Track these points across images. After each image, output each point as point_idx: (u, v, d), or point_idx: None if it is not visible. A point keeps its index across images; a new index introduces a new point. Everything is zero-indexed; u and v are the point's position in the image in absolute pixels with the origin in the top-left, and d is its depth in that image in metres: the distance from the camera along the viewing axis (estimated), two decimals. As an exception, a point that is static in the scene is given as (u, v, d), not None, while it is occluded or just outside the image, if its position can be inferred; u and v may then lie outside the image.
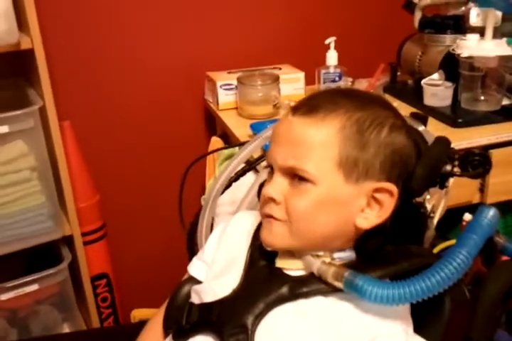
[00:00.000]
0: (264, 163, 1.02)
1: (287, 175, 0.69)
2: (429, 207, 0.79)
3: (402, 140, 0.69)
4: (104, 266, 1.59)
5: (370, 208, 0.68)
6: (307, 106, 0.69)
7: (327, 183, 0.66)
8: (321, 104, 0.68)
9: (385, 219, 0.69)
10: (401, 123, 0.72)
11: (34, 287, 1.33)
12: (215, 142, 1.55)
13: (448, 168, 0.72)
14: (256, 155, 1.01)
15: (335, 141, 0.66)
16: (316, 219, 0.67)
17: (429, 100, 1.41)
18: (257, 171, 1.09)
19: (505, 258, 0.75)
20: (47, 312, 1.42)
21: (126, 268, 1.73)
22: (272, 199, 0.69)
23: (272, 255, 0.73)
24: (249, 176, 1.01)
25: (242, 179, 1.00)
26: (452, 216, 1.02)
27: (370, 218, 0.68)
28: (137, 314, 1.56)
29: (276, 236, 0.69)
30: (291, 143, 0.68)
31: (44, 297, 1.41)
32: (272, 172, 0.72)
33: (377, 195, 0.68)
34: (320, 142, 0.66)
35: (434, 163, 0.71)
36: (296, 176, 0.68)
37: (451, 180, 0.76)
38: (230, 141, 1.49)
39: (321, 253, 0.70)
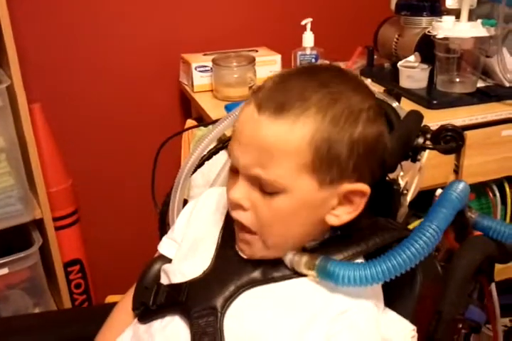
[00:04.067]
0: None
1: (254, 181, 0.64)
2: (402, 183, 0.78)
3: (377, 130, 0.65)
4: (77, 252, 1.57)
5: (341, 206, 0.66)
6: (275, 104, 0.61)
7: (300, 191, 0.63)
8: (290, 101, 0.61)
9: (356, 216, 0.67)
10: (376, 108, 0.67)
11: (4, 271, 1.31)
12: (191, 125, 1.53)
13: (420, 140, 0.71)
14: (229, 134, 1.00)
15: (308, 146, 0.61)
16: (288, 225, 0.65)
17: (405, 82, 1.41)
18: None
19: (477, 233, 0.75)
20: (18, 298, 1.39)
21: (100, 254, 1.70)
22: (239, 206, 0.65)
23: None
24: (222, 155, 1.00)
25: (214, 158, 0.98)
26: (427, 197, 1.02)
27: (341, 216, 0.66)
28: (112, 300, 1.53)
29: (254, 250, 0.67)
30: (257, 148, 0.62)
31: (15, 282, 1.39)
32: (235, 172, 0.66)
33: (350, 195, 0.65)
34: (292, 149, 0.61)
35: (406, 136, 0.70)
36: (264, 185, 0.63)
37: (425, 155, 0.75)
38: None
39: None
